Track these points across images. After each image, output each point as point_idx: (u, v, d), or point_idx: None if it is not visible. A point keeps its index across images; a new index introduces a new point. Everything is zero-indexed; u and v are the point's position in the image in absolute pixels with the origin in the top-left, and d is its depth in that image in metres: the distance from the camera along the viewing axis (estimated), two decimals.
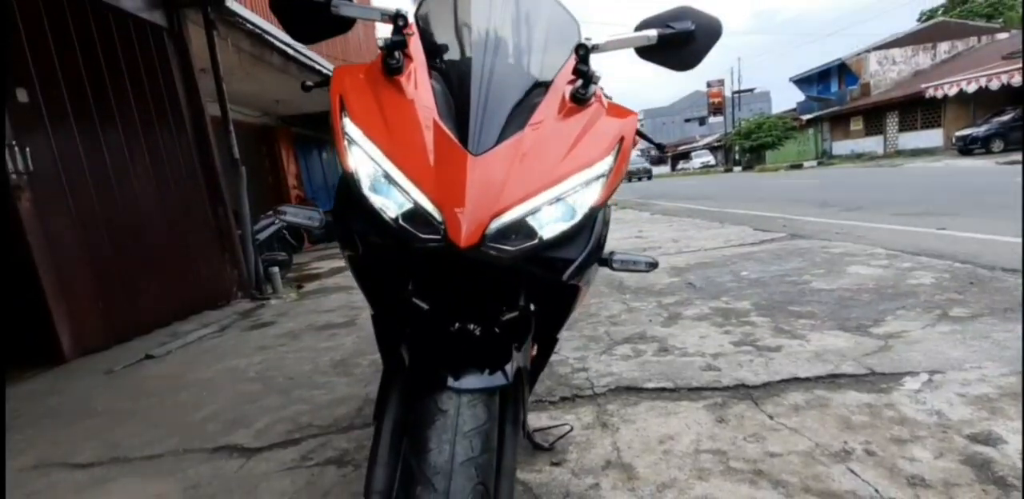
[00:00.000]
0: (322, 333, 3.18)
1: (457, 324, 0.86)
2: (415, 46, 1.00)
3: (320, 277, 5.74)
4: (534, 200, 0.80)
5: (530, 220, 0.80)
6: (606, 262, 0.97)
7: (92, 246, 3.24)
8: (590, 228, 0.91)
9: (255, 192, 6.36)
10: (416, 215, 0.79)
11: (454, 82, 0.93)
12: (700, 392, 1.76)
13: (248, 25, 5.14)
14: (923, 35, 25.31)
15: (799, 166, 24.03)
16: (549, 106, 0.92)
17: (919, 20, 33.12)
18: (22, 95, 2.93)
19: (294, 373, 2.48)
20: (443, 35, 1.07)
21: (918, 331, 2.10)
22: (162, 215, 3.86)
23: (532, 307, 0.92)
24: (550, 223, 0.82)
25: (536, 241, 0.80)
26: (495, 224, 0.77)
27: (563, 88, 0.97)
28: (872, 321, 2.28)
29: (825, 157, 26.25)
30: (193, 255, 4.13)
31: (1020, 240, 3.35)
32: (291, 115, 9.51)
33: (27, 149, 2.90)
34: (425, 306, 0.86)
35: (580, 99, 0.94)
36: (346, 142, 0.86)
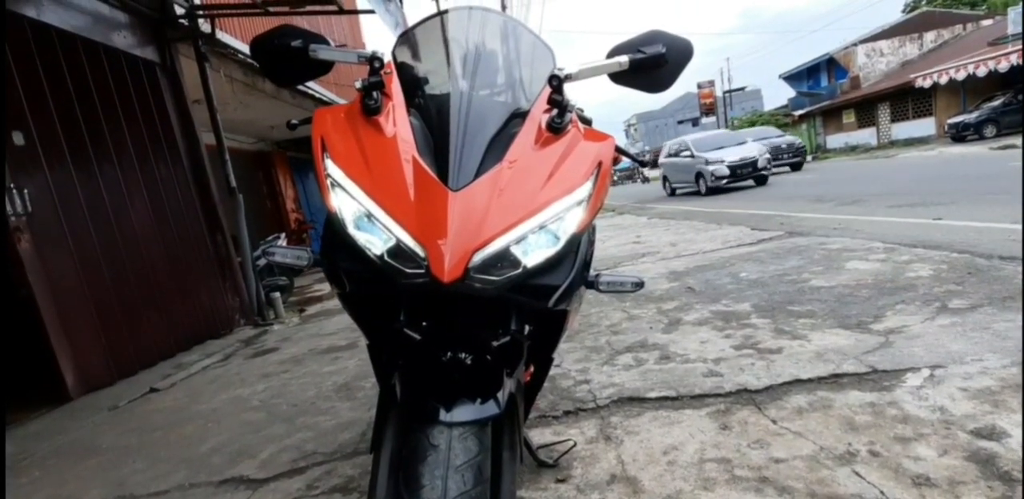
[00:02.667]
0: (325, 357, 3.18)
1: (449, 353, 0.86)
2: (393, 85, 1.03)
3: (322, 299, 5.75)
4: (516, 230, 0.81)
5: (513, 249, 0.81)
6: (592, 284, 0.97)
7: (93, 283, 3.27)
8: (574, 253, 0.92)
9: (254, 217, 6.43)
10: (400, 251, 0.81)
11: (433, 118, 0.95)
12: (703, 399, 1.75)
13: (239, 55, 5.23)
14: (909, 26, 25.44)
15: None
16: (526, 137, 0.94)
17: (904, 11, 33.36)
18: (18, 138, 2.98)
19: (298, 400, 2.48)
20: (421, 71, 1.09)
21: (918, 325, 2.09)
22: (161, 247, 3.89)
23: (524, 330, 0.93)
24: (533, 251, 0.83)
25: (520, 270, 0.82)
26: (478, 256, 0.79)
27: (539, 118, 0.99)
28: (872, 317, 2.27)
29: (819, 151, 26.25)
30: (194, 285, 4.15)
31: (1019, 227, 3.34)
32: (286, 140, 9.61)
33: (25, 191, 2.94)
34: (417, 337, 0.87)
35: (556, 128, 0.96)
36: (329, 183, 0.89)
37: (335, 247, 0.91)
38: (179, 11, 4.28)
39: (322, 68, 1.09)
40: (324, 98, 7.55)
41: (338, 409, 2.26)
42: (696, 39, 1.09)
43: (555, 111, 0.96)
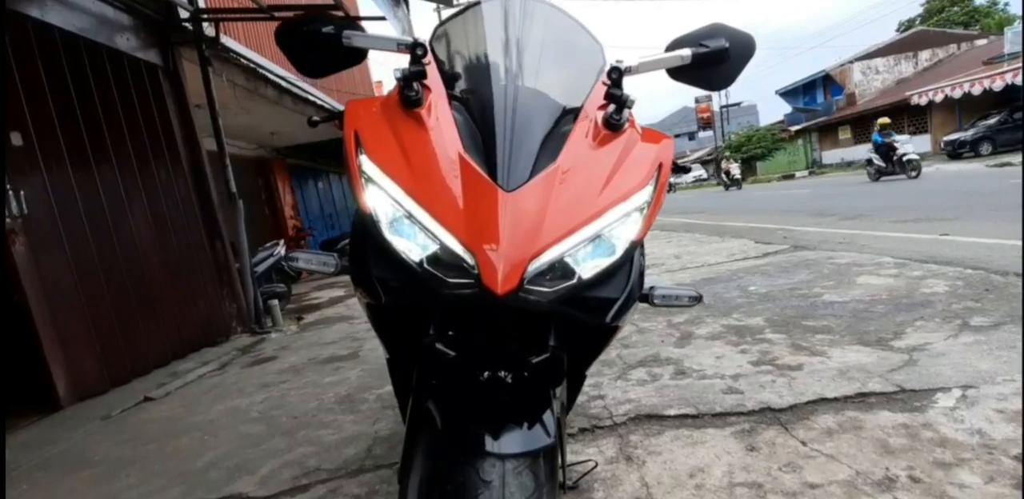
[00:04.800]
0: (325, 367, 3.10)
1: (486, 372, 0.78)
2: (433, 76, 0.95)
3: (320, 307, 5.66)
4: (574, 237, 0.74)
5: (567, 259, 0.74)
6: (646, 297, 0.90)
7: (88, 288, 3.18)
8: (630, 263, 0.84)
9: (253, 224, 6.35)
10: (443, 258, 0.73)
11: (476, 112, 0.88)
12: (725, 418, 1.69)
13: (242, 60, 5.20)
14: (904, 44, 25.84)
15: (791, 176, 24.21)
16: (582, 134, 0.86)
17: (897, 30, 33.91)
18: (16, 139, 2.91)
19: (298, 412, 2.39)
20: (461, 63, 1.01)
21: (941, 343, 2.04)
22: (159, 253, 3.81)
23: (562, 346, 0.85)
24: (588, 261, 0.76)
25: (575, 281, 0.74)
26: (533, 266, 0.70)
27: (594, 114, 0.91)
28: (892, 334, 2.22)
29: (816, 166, 26.46)
30: (191, 291, 4.07)
31: (1022, 243, 3.31)
32: (286, 146, 9.57)
33: (21, 193, 2.86)
34: (451, 353, 0.79)
35: (614, 125, 0.88)
36: (363, 180, 0.80)
37: (366, 253, 0.83)
38: (183, 14, 4.24)
39: (355, 57, 1.00)
40: (326, 105, 7.51)
41: (341, 422, 2.18)
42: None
43: (612, 107, 0.88)
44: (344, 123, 0.88)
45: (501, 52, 0.94)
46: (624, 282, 0.83)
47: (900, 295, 2.74)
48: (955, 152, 16.14)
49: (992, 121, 15.71)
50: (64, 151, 3.17)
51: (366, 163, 0.80)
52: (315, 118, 1.14)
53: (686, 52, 0.96)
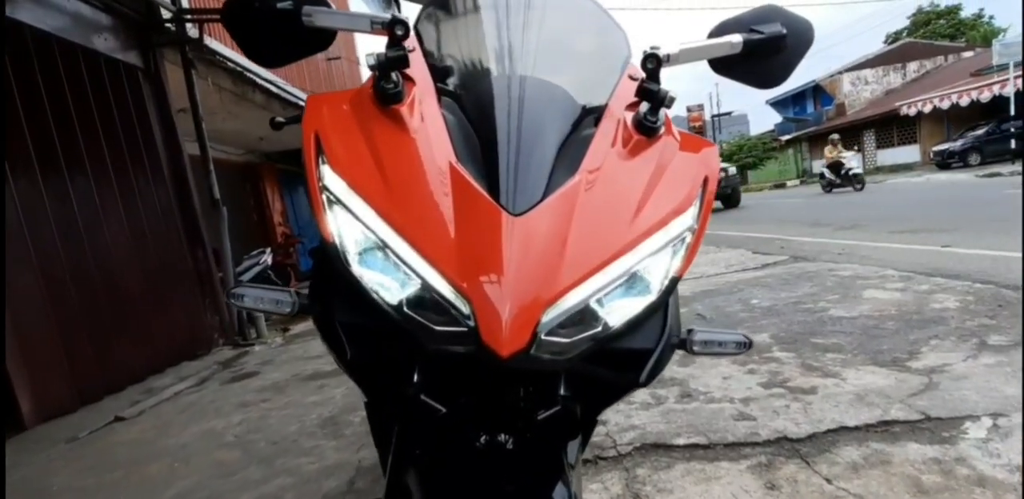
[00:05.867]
0: (309, 384, 2.94)
1: (484, 436, 0.62)
2: (418, 65, 0.75)
3: (307, 317, 5.48)
4: (600, 276, 0.56)
5: (592, 302, 0.57)
6: (683, 343, 0.73)
7: (58, 301, 3.00)
8: (665, 305, 0.67)
9: (240, 231, 6.18)
10: (429, 301, 0.56)
11: (472, 112, 0.70)
12: (739, 449, 1.56)
13: (229, 63, 5.04)
14: (892, 56, 26.16)
15: (782, 185, 24.31)
16: (607, 141, 0.69)
17: (885, 42, 34.34)
18: None
19: (278, 436, 2.23)
20: (454, 50, 0.83)
21: (960, 364, 1.93)
22: (137, 262, 3.64)
23: (574, 396, 0.67)
24: (616, 302, 0.59)
25: (599, 329, 0.57)
26: (548, 316, 0.53)
27: (621, 115, 0.73)
28: (907, 353, 2.11)
29: (806, 176, 26.62)
30: (170, 302, 3.89)
31: (1022, 255, 3.23)
32: (276, 151, 9.40)
33: None
34: (440, 409, 0.62)
35: (649, 129, 0.70)
36: (325, 199, 0.62)
37: (329, 291, 0.66)
38: (165, 15, 4.10)
39: (318, 41, 0.80)
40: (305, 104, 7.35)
41: (323, 449, 2.03)
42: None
43: (645, 106, 0.70)
44: (304, 122, 0.69)
45: (503, 37, 0.77)
46: (659, 329, 0.67)
47: (910, 311, 2.63)
48: (944, 162, 16.27)
49: (980, 132, 15.87)
50: (33, 156, 3.00)
51: (329, 176, 0.63)
52: (279, 119, 0.97)
53: (736, 38, 0.78)
